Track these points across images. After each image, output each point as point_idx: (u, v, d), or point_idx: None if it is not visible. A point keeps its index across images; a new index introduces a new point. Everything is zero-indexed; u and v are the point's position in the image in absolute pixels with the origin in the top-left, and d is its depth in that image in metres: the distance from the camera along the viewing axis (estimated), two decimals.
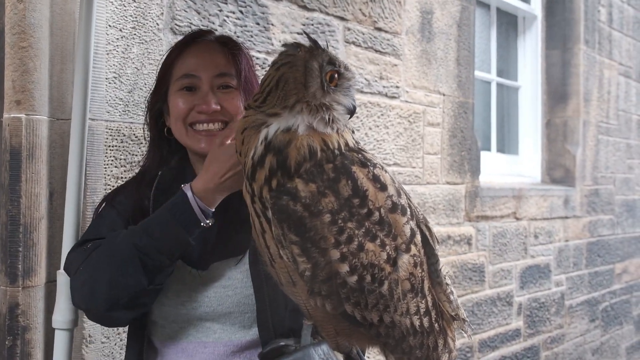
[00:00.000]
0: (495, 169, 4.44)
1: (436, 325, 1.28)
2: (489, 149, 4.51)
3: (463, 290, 3.68)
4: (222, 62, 1.53)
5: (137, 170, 2.17)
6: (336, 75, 1.21)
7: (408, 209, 1.23)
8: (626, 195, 5.43)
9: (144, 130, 1.63)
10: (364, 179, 1.18)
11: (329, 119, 1.20)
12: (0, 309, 2.02)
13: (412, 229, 1.22)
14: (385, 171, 1.23)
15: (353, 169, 1.17)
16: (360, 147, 1.25)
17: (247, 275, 1.43)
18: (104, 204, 1.63)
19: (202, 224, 1.36)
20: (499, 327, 4.01)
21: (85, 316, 1.93)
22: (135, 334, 1.53)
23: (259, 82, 1.42)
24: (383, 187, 1.19)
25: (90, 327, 2.09)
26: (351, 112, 1.23)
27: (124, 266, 1.35)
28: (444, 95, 3.58)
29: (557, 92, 4.83)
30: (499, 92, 4.69)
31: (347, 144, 1.22)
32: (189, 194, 1.36)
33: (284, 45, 1.26)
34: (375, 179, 1.19)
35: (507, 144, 4.82)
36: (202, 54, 1.54)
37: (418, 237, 1.25)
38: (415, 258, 1.22)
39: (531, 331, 4.31)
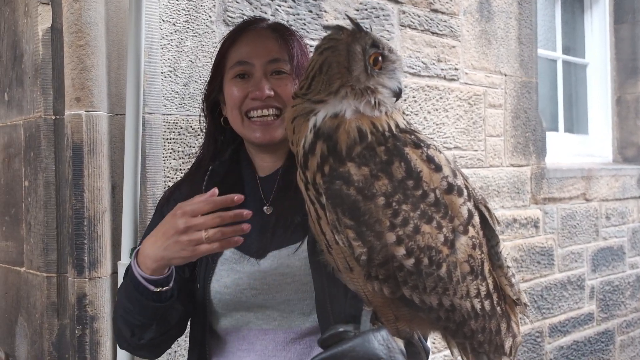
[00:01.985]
0: (564, 150, 4.30)
1: (498, 308, 1.24)
2: (556, 130, 4.37)
3: (531, 274, 3.59)
4: (274, 48, 1.53)
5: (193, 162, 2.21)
6: (380, 58, 1.18)
7: (465, 190, 1.19)
8: None
9: (200, 122, 1.65)
10: (418, 160, 1.15)
11: (375, 102, 1.17)
12: (69, 299, 2.10)
13: (469, 210, 1.19)
14: (440, 151, 1.20)
15: (406, 150, 1.15)
16: (412, 128, 1.22)
17: (306, 263, 1.43)
18: (161, 202, 1.66)
19: (152, 290, 1.37)
20: (570, 312, 3.89)
21: None
22: (197, 324, 1.55)
23: None
24: (438, 168, 1.16)
25: None
26: (397, 94, 1.20)
27: (121, 317, 1.46)
28: (505, 75, 3.48)
29: (627, 68, 4.63)
30: (566, 70, 4.53)
31: (397, 126, 1.19)
32: (133, 262, 1.39)
33: (326, 28, 1.24)
34: (430, 160, 1.16)
35: (576, 124, 4.65)
36: (254, 41, 1.54)
37: (476, 219, 1.21)
38: (473, 240, 1.18)
39: (605, 315, 4.17)
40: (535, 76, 3.67)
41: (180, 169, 2.24)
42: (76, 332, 2.06)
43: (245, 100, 1.50)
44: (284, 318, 1.46)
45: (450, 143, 3.17)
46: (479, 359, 1.27)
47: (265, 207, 1.53)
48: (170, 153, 2.23)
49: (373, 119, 1.17)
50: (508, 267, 1.28)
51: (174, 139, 2.24)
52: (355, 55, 1.18)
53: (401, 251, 1.12)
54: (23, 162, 2.26)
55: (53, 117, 2.14)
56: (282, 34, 1.56)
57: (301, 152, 1.19)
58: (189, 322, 1.59)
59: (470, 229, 1.18)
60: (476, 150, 3.29)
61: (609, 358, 4.21)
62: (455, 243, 1.16)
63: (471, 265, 1.18)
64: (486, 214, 1.25)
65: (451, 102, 3.16)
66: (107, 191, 2.11)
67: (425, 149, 1.17)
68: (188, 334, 1.61)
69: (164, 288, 1.36)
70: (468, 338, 1.22)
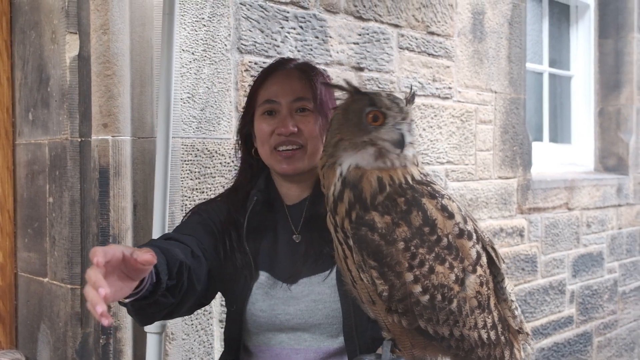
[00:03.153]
0: (548, 159, 4.50)
1: (502, 337, 1.40)
2: (541, 140, 4.56)
3: (516, 280, 3.79)
4: (298, 87, 1.67)
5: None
6: (379, 115, 1.33)
7: (474, 234, 1.36)
8: None
9: (235, 150, 1.79)
10: (433, 209, 1.31)
11: (376, 154, 1.33)
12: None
13: (478, 252, 1.35)
14: (453, 201, 1.36)
15: (423, 201, 1.31)
16: (429, 179, 1.38)
17: (335, 291, 1.59)
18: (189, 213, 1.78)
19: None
20: (552, 315, 4.11)
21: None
22: (232, 339, 1.69)
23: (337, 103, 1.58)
24: (450, 216, 1.33)
25: (172, 325, 2.30)
26: (398, 143, 1.31)
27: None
28: (495, 92, 3.67)
29: (610, 81, 4.83)
30: (552, 82, 4.72)
31: (413, 178, 1.35)
32: None
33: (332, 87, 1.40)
34: (444, 209, 1.32)
35: (560, 134, 4.85)
36: (281, 81, 1.69)
37: (484, 259, 1.36)
38: (481, 278, 1.34)
39: (584, 318, 4.39)
40: (523, 92, 3.86)
41: (197, 189, 2.40)
42: (100, 341, 2.22)
43: (273, 135, 1.65)
44: (314, 339, 1.62)
45: (443, 158, 3.35)
46: None
47: (294, 236, 1.68)
48: (188, 174, 2.38)
49: (391, 171, 1.34)
50: (512, 300, 1.45)
51: (191, 160, 2.39)
52: (353, 113, 1.34)
53: (418, 289, 1.28)
54: (47, 179, 2.40)
55: (79, 140, 2.28)
56: (308, 74, 1.70)
57: (331, 198, 1.36)
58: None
59: (479, 268, 1.34)
60: (467, 165, 3.47)
61: (587, 359, 4.44)
62: (465, 281, 1.32)
63: (479, 300, 1.34)
64: (492, 254, 1.41)
65: (445, 119, 3.34)
66: (130, 210, 2.27)
67: (439, 199, 1.33)
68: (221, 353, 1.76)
69: (133, 298, 1.28)
70: None
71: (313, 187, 1.69)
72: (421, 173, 1.38)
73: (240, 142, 1.77)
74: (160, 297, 1.34)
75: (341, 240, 1.37)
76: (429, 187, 1.35)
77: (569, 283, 4.23)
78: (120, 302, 1.31)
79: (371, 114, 1.32)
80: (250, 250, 1.64)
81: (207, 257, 1.56)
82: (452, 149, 3.39)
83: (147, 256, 1.12)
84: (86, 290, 1.07)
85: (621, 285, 4.74)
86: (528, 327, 1.51)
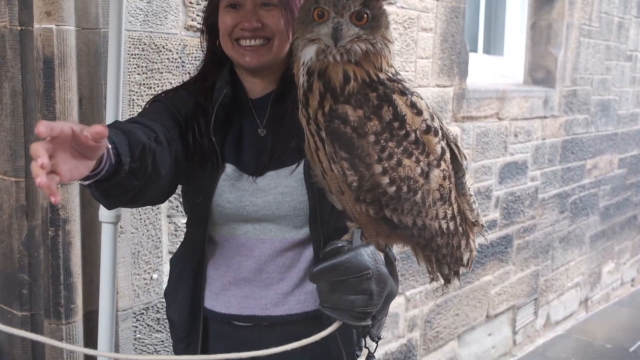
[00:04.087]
0: (481, 70, 4.62)
1: (460, 228, 1.51)
2: (475, 51, 4.67)
3: None
4: None
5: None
6: (324, 12, 1.36)
7: (440, 131, 1.44)
8: (602, 95, 5.68)
9: (201, 42, 1.76)
10: (403, 105, 1.37)
11: (318, 50, 1.37)
12: (39, 203, 2.24)
13: (442, 148, 1.43)
14: (421, 98, 1.43)
15: (394, 97, 1.37)
16: (400, 78, 1.44)
17: (302, 184, 1.64)
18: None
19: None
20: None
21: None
22: (197, 233, 1.73)
23: None
24: (419, 112, 1.40)
25: (122, 219, 2.32)
26: (333, 37, 1.34)
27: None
28: (437, 0, 3.70)
29: None
30: None
31: (378, 76, 1.39)
32: None
33: None
34: (413, 105, 1.39)
35: (494, 46, 4.97)
36: None
37: (447, 155, 1.45)
38: (444, 172, 1.43)
39: (506, 222, 4.67)
40: (463, 2, 3.91)
41: (144, 84, 2.37)
42: (49, 233, 2.23)
43: (235, 29, 1.63)
44: (280, 230, 1.68)
45: None
46: (442, 268, 1.57)
47: (259, 130, 1.71)
48: (135, 68, 2.35)
49: (355, 67, 1.38)
50: (471, 195, 1.56)
51: (138, 54, 2.35)
52: (305, 12, 1.40)
53: (386, 180, 1.36)
54: None
55: (19, 28, 2.19)
56: None
57: (301, 91, 1.41)
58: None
59: (442, 163, 1.43)
60: (407, 71, 3.54)
61: (507, 259, 4.76)
62: (430, 175, 1.41)
63: (441, 193, 1.43)
64: (456, 150, 1.50)
65: None
66: (76, 103, 2.22)
67: (409, 96, 1.40)
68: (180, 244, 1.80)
69: (96, 178, 1.25)
70: (434, 251, 1.50)
71: (278, 82, 1.71)
72: (391, 72, 1.43)
73: (205, 32, 1.76)
74: (124, 179, 1.32)
75: (313, 133, 1.42)
76: (399, 85, 1.41)
77: (495, 189, 4.46)
78: (83, 185, 1.30)
79: (316, 11, 1.36)
80: (216, 142, 1.65)
81: (172, 142, 1.56)
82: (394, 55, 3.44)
83: (97, 128, 1.06)
84: (32, 165, 1.02)
85: (541, 192, 5.03)
86: (483, 220, 1.62)
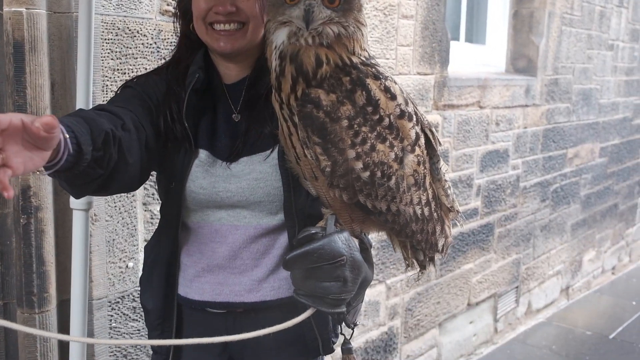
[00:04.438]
0: (463, 58, 4.61)
1: (435, 214, 1.50)
2: (457, 39, 4.66)
3: None
4: None
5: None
6: None
7: (414, 116, 1.42)
8: (583, 84, 5.69)
9: (174, 26, 1.73)
10: (377, 90, 1.36)
11: (289, 32, 1.35)
12: (13, 190, 2.20)
13: (417, 133, 1.41)
14: (395, 83, 1.41)
15: (367, 81, 1.35)
16: (374, 62, 1.42)
17: (276, 170, 1.62)
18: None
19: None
20: (460, 207, 4.34)
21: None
22: (170, 216, 1.71)
23: None
24: (393, 97, 1.38)
25: (96, 207, 2.29)
26: (304, 19, 1.33)
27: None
28: None
29: None
30: None
31: (350, 59, 1.37)
32: None
33: None
34: (387, 90, 1.37)
35: (475, 34, 4.96)
36: None
37: (422, 140, 1.43)
38: (419, 157, 1.41)
39: (488, 210, 4.67)
40: None
41: (118, 69, 2.33)
42: (21, 220, 2.19)
43: (209, 13, 1.60)
44: (254, 216, 1.66)
45: None
46: (417, 254, 1.56)
47: (234, 115, 1.69)
48: (109, 53, 2.30)
49: (327, 50, 1.36)
50: (446, 180, 1.54)
51: (111, 39, 2.30)
52: None
53: (359, 165, 1.35)
54: None
55: None
56: None
57: (274, 75, 1.38)
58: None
59: (417, 148, 1.41)
60: (388, 59, 3.52)
61: (488, 247, 4.77)
62: (404, 160, 1.39)
63: (415, 179, 1.42)
64: (430, 136, 1.49)
65: (368, 12, 3.34)
66: (48, 88, 2.18)
67: (383, 80, 1.38)
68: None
69: (55, 168, 1.23)
70: (409, 237, 1.49)
71: (253, 67, 1.68)
72: (365, 56, 1.41)
73: (178, 15, 1.73)
74: (87, 169, 1.30)
75: (286, 117, 1.39)
76: (373, 69, 1.39)
77: (476, 177, 4.46)
78: (47, 174, 1.27)
79: None
80: (189, 127, 1.63)
81: (142, 129, 1.53)
82: (374, 43, 3.42)
83: (45, 119, 1.03)
84: None
85: (522, 181, 5.04)
86: (458, 206, 1.61)
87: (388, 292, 3.84)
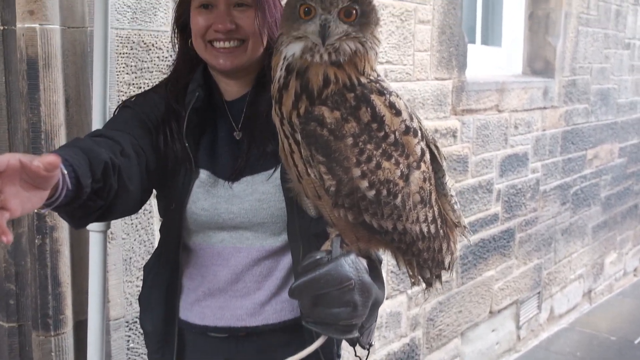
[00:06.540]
0: (480, 62, 4.54)
1: (441, 231, 1.45)
2: (473, 42, 4.59)
3: None
4: None
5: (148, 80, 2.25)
6: (310, 8, 1.29)
7: (419, 131, 1.37)
8: (601, 84, 5.60)
9: (172, 42, 1.69)
10: (382, 105, 1.30)
11: (304, 47, 1.29)
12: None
13: (422, 149, 1.36)
14: (400, 98, 1.36)
15: (372, 97, 1.30)
16: (379, 77, 1.36)
17: (279, 190, 1.57)
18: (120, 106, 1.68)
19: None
20: (479, 213, 4.27)
21: None
22: (170, 238, 1.66)
23: None
24: (398, 113, 1.32)
25: (112, 225, 2.24)
26: (320, 34, 1.28)
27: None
28: None
29: None
30: None
31: (359, 79, 1.32)
32: None
33: None
34: (392, 106, 1.31)
35: (491, 36, 4.89)
36: None
37: (427, 156, 1.38)
38: (424, 174, 1.36)
39: (508, 215, 4.59)
40: None
41: (134, 84, 2.28)
42: (36, 241, 2.14)
43: (209, 31, 1.57)
44: (257, 238, 1.61)
45: (382, 58, 3.31)
46: (423, 272, 1.50)
47: (235, 133, 1.64)
48: (124, 68, 2.26)
49: (337, 69, 1.30)
50: (452, 195, 1.49)
51: (126, 53, 2.26)
52: (290, 8, 1.32)
53: (364, 184, 1.29)
54: None
55: (2, 28, 2.10)
56: None
57: (276, 86, 1.32)
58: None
59: (422, 164, 1.36)
60: (405, 65, 3.45)
61: (509, 253, 4.68)
62: (410, 177, 1.34)
63: (421, 196, 1.36)
64: (435, 151, 1.44)
65: (385, 19, 3.28)
66: (62, 105, 2.14)
67: (388, 96, 1.32)
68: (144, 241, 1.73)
69: (53, 205, 1.19)
70: (415, 256, 1.43)
71: (254, 83, 1.64)
72: (373, 77, 1.35)
73: (177, 32, 1.68)
74: (87, 201, 1.26)
75: (287, 134, 1.34)
76: (377, 84, 1.34)
77: (496, 182, 4.38)
78: (45, 212, 1.23)
79: (302, 7, 1.29)
80: (189, 146, 1.59)
81: (141, 153, 1.49)
82: (391, 49, 3.35)
83: (49, 158, 0.98)
84: None
85: (542, 184, 4.96)
86: (465, 221, 1.55)
87: (409, 302, 3.77)
